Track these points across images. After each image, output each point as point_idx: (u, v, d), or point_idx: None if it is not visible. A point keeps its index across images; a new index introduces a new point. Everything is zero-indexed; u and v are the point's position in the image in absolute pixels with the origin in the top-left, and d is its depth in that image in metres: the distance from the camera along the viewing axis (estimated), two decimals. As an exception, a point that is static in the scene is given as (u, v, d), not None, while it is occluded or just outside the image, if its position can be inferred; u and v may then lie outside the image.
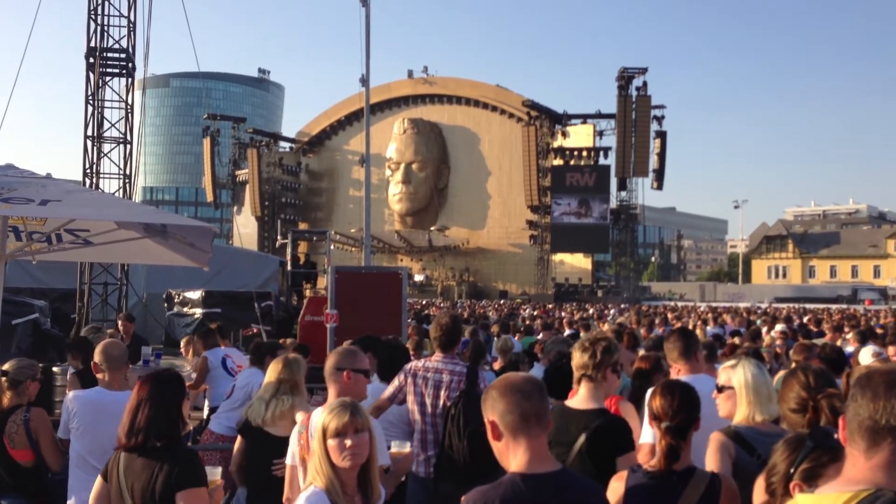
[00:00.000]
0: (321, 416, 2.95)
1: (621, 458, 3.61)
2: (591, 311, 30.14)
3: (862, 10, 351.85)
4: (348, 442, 2.90)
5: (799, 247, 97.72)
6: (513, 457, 2.47)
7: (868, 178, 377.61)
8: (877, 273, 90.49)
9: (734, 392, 3.68)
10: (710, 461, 3.35)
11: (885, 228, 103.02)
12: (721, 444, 3.42)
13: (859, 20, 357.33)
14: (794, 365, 5.29)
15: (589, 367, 3.89)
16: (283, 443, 4.12)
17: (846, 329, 14.37)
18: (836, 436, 2.35)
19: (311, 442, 2.93)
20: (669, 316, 23.85)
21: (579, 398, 3.91)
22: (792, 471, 2.19)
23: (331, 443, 2.87)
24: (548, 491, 2.42)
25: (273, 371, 4.82)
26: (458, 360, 5.28)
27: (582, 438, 3.67)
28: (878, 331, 14.37)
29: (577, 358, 3.96)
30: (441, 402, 5.01)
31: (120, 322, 11.31)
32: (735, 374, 3.71)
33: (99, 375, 4.92)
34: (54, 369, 8.64)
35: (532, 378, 2.70)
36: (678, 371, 4.75)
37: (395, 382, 5.23)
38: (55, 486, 5.13)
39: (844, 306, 51.72)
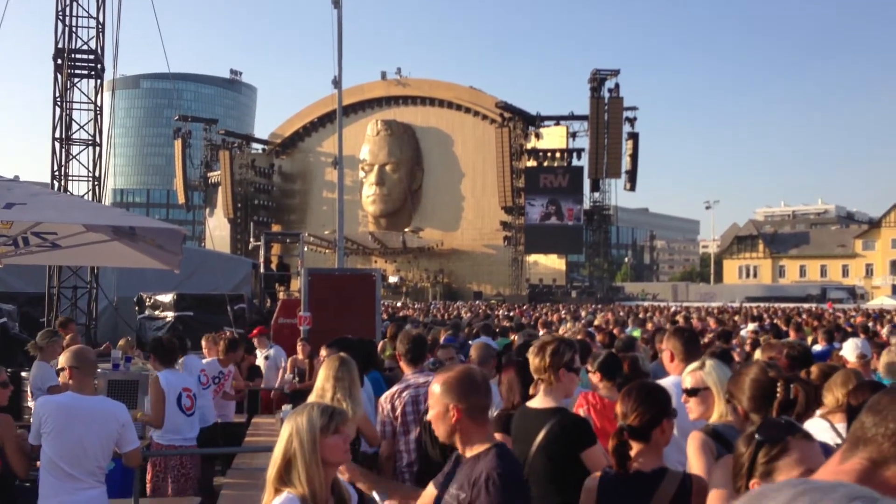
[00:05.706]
0: (308, 418, 2.83)
1: (585, 453, 3.67)
2: (562, 311, 30.18)
3: (831, 10, 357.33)
4: (347, 438, 2.91)
5: (769, 247, 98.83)
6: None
7: (836, 179, 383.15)
8: (845, 272, 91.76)
9: (710, 393, 3.67)
10: (694, 460, 3.30)
11: (853, 228, 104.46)
12: (702, 441, 3.37)
13: (829, 21, 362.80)
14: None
15: (540, 369, 4.00)
16: None
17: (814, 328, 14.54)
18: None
19: (287, 446, 2.84)
20: (642, 315, 23.96)
21: (537, 399, 4.01)
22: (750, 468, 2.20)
23: (331, 441, 2.82)
24: None
25: (329, 369, 4.52)
26: (428, 372, 5.25)
27: (540, 436, 3.75)
28: (848, 329, 14.55)
29: (531, 362, 4.07)
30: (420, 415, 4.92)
31: (63, 330, 10.31)
32: (707, 374, 3.74)
33: (70, 380, 4.80)
34: (22, 374, 8.52)
35: None
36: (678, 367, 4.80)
37: (380, 417, 5.10)
38: (23, 493, 5.06)
39: (814, 305, 52.43)
